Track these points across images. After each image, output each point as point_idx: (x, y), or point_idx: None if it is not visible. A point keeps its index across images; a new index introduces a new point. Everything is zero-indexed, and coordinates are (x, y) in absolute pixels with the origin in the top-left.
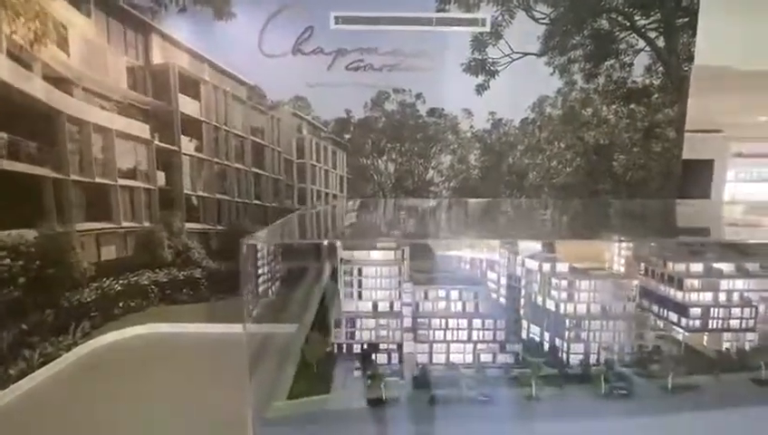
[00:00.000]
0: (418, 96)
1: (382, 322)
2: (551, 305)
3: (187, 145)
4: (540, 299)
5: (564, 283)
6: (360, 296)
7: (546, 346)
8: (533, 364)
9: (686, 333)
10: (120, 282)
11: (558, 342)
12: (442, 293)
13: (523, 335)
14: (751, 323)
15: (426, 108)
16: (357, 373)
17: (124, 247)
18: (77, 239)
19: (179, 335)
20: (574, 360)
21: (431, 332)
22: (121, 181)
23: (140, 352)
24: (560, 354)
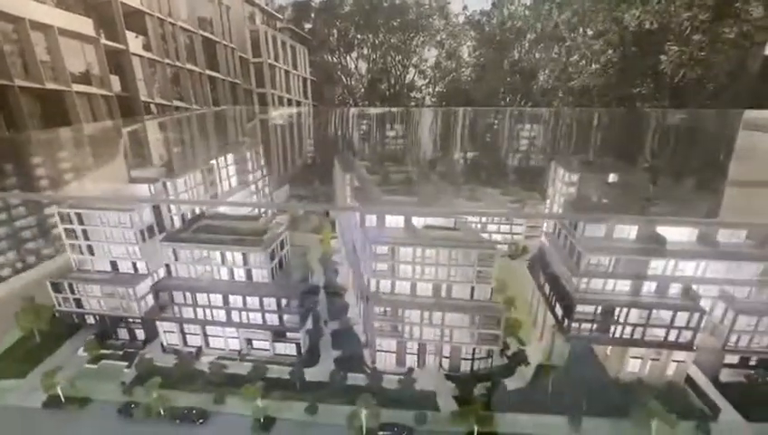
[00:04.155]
0: None
1: (119, 289)
2: (368, 280)
3: (135, 43)
4: (363, 270)
5: (380, 249)
6: (91, 251)
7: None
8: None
9: (566, 341)
10: None
11: (367, 336)
12: (200, 253)
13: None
14: (688, 336)
15: None
16: (82, 352)
17: None
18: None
19: None
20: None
21: (178, 307)
22: (76, 87)
23: None
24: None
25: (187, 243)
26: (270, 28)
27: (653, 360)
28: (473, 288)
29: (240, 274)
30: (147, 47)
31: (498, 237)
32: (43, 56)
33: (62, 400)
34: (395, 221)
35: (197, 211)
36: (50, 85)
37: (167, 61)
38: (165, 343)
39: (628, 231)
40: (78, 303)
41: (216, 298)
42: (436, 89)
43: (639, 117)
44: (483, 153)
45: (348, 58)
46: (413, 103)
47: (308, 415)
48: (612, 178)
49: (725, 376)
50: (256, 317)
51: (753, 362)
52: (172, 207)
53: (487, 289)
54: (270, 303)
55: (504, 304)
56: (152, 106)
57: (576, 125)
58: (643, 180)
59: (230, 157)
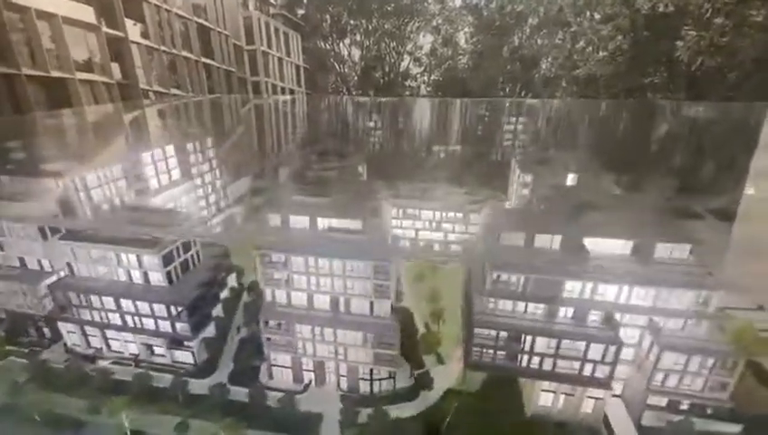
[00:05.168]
0: None
1: (23, 286)
2: (263, 290)
3: (134, 31)
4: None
5: (279, 256)
6: (0, 247)
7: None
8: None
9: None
10: None
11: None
12: (97, 253)
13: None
14: (606, 371)
15: None
16: None
17: None
18: None
19: None
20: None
21: (75, 309)
22: (80, 75)
23: None
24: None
25: (84, 241)
26: (263, 14)
27: (567, 395)
28: (372, 303)
29: (137, 276)
30: (145, 35)
31: (453, 237)
32: (48, 45)
33: None
34: (300, 224)
35: (119, 205)
36: (55, 73)
37: (163, 48)
38: (68, 344)
39: (551, 243)
40: None
41: (110, 301)
42: (432, 77)
43: (650, 109)
44: (466, 147)
45: (341, 45)
46: (408, 93)
47: (177, 433)
48: (571, 179)
49: (649, 419)
50: (149, 323)
51: (684, 407)
52: (84, 200)
53: (387, 305)
54: (160, 309)
55: (432, 317)
56: (151, 93)
57: (577, 118)
58: (607, 183)
59: (171, 148)
